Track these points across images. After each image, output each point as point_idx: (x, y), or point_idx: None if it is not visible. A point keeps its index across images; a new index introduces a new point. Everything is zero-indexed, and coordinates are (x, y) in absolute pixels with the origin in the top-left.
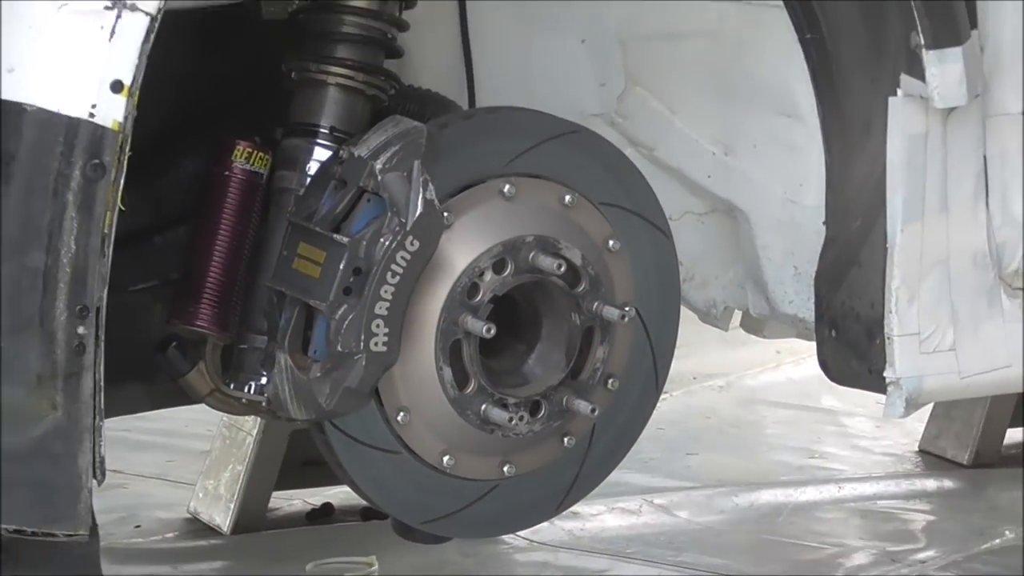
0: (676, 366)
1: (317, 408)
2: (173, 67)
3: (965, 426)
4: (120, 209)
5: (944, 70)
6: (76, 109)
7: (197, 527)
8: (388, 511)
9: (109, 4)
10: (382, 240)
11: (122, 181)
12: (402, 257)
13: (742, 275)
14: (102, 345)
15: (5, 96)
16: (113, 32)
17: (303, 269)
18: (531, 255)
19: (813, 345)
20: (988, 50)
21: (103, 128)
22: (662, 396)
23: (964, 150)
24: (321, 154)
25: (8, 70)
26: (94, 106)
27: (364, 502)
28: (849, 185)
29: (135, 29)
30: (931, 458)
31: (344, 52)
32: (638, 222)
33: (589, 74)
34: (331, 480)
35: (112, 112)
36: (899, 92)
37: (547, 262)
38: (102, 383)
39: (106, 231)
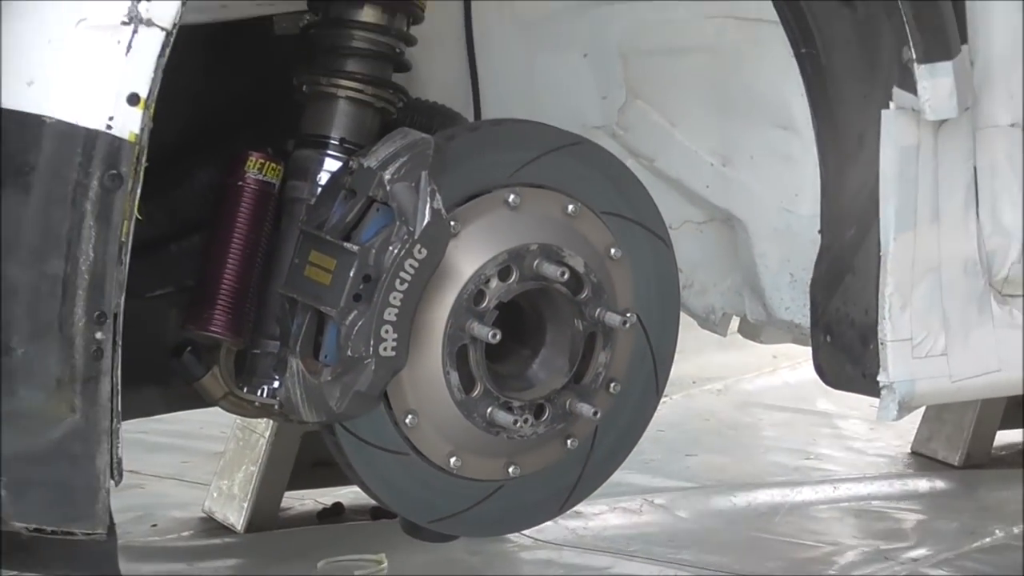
0: (676, 370)
1: (328, 411)
2: (188, 80)
3: (956, 428)
4: (137, 218)
5: (935, 84)
6: (94, 121)
7: (212, 526)
8: (397, 510)
9: (126, 19)
10: (391, 248)
11: (139, 191)
12: (410, 265)
13: (740, 282)
14: (119, 350)
15: (25, 109)
16: (130, 47)
17: (314, 276)
18: (535, 263)
19: (809, 350)
20: (978, 64)
21: (120, 140)
22: (662, 399)
23: (955, 161)
24: (332, 165)
25: (28, 83)
26: (111, 118)
27: (373, 502)
28: (843, 195)
29: (151, 44)
30: (923, 459)
31: (354, 66)
32: (639, 231)
33: (591, 87)
34: (341, 480)
35: (129, 124)
36: (892, 105)
37: (551, 270)
38: (119, 387)
39: (123, 239)
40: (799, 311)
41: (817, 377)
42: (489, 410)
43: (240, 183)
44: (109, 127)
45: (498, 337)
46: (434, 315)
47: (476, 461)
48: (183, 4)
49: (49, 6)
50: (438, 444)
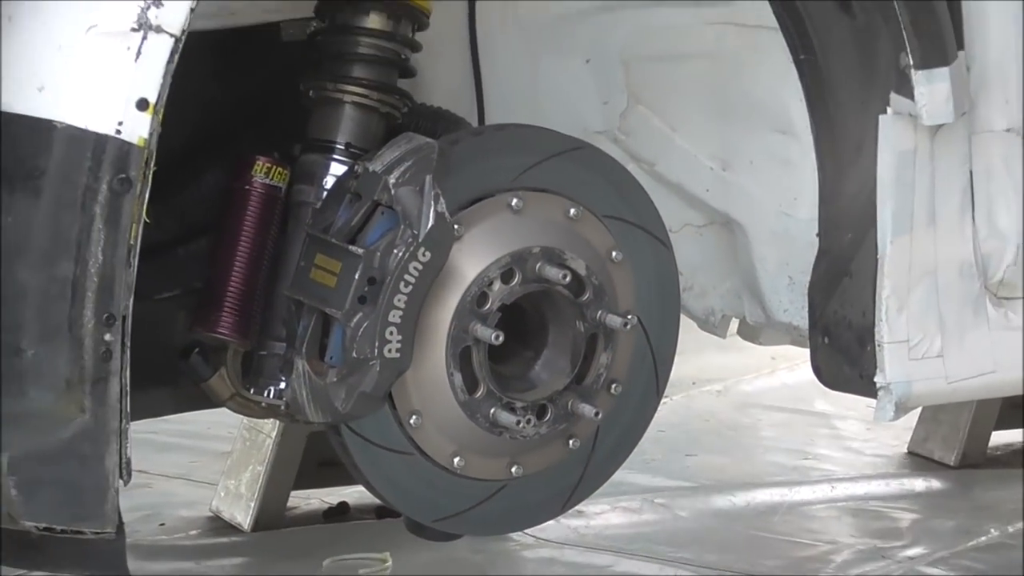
0: (676, 371)
1: (333, 411)
2: (196, 86)
3: (952, 429)
4: (145, 221)
5: (932, 89)
6: (104, 126)
7: (219, 525)
8: (401, 510)
9: (135, 26)
10: (395, 251)
11: (147, 195)
12: (414, 267)
13: (739, 285)
14: (128, 351)
15: (36, 113)
16: (139, 53)
17: (320, 279)
18: (538, 265)
19: (807, 352)
20: (974, 70)
21: (129, 144)
22: (662, 400)
23: (951, 166)
24: (337, 169)
25: (38, 89)
26: (121, 123)
27: (378, 501)
28: (841, 199)
29: (160, 50)
30: (919, 459)
31: (360, 72)
32: (640, 234)
33: (593, 93)
34: (347, 480)
35: (138, 129)
36: (889, 110)
37: (553, 272)
38: (128, 387)
39: (132, 242)
40: (797, 313)
41: (815, 378)
42: (492, 411)
43: (247, 187)
44: (118, 132)
45: (501, 339)
46: (438, 317)
47: (479, 461)
48: (192, 11)
49: (59, 13)
50: (442, 444)
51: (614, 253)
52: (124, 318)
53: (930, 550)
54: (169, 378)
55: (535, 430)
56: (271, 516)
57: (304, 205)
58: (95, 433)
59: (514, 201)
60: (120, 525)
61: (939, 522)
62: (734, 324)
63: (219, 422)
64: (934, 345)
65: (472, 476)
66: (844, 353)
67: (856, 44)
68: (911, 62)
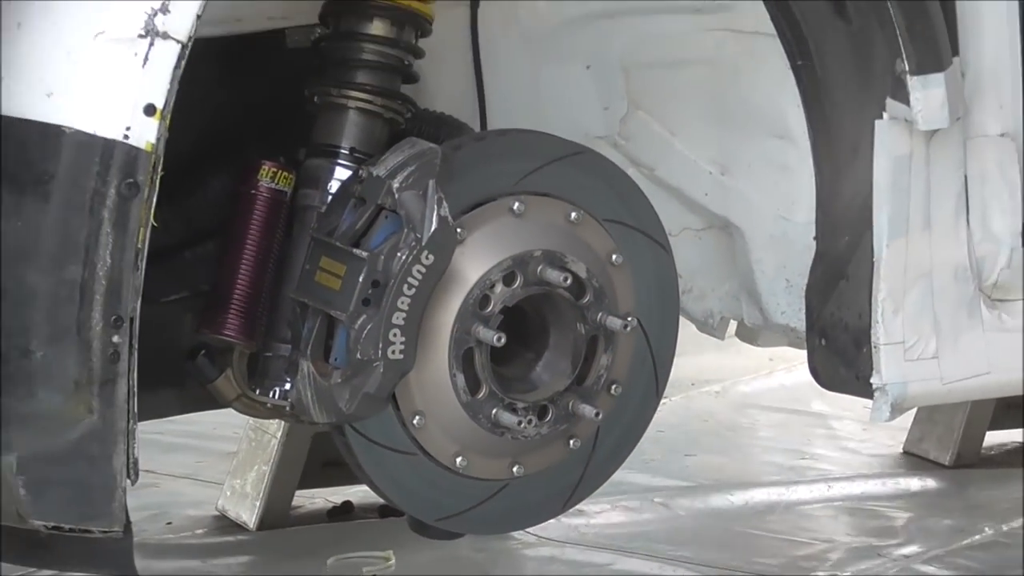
0: (675, 372)
1: (338, 412)
2: (203, 91)
3: (947, 429)
4: (153, 225)
5: (927, 95)
6: (112, 131)
7: (225, 524)
8: (404, 509)
9: (142, 32)
10: (399, 254)
11: (155, 199)
12: (418, 270)
13: (737, 287)
14: (135, 353)
15: (45, 119)
16: (146, 59)
17: (325, 282)
18: (539, 269)
19: (804, 353)
20: (969, 76)
21: (137, 149)
22: (662, 401)
23: (946, 170)
24: (342, 174)
25: (48, 94)
26: (128, 128)
27: (382, 500)
28: (838, 203)
29: (167, 56)
30: (915, 459)
31: (364, 78)
32: (640, 238)
33: (594, 99)
34: (351, 480)
35: (145, 134)
36: (885, 115)
37: (554, 275)
38: (135, 389)
39: (139, 246)
40: (795, 315)
41: (812, 379)
42: (494, 411)
43: (253, 191)
44: (126, 137)
45: (503, 340)
46: (441, 319)
47: (481, 461)
48: (198, 18)
49: (68, 19)
50: (445, 444)
51: (614, 256)
52: (132, 320)
53: (925, 548)
54: (176, 379)
55: (536, 430)
56: (276, 515)
57: (309, 209)
58: (103, 433)
59: (516, 205)
60: (127, 524)
61: (934, 521)
62: (732, 326)
63: (225, 423)
64: (929, 347)
65: (474, 476)
66: (841, 355)
67: (852, 50)
68: (907, 68)
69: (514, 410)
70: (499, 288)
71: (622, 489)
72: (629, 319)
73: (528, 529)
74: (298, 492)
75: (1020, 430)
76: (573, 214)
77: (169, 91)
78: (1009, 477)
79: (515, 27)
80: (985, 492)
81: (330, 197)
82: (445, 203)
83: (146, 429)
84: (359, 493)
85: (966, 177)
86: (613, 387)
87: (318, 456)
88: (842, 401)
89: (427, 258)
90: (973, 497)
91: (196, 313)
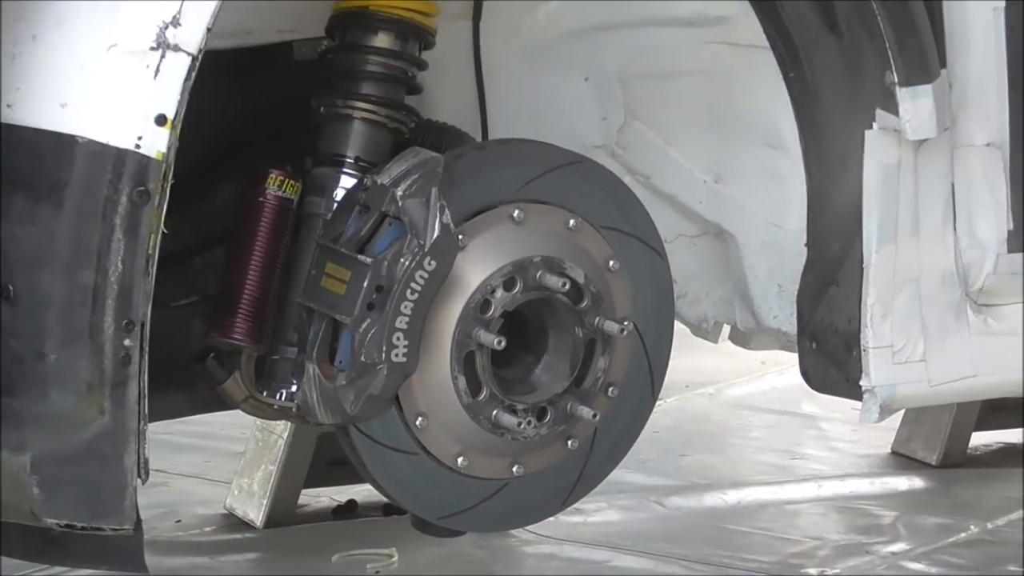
0: (670, 375)
1: (343, 413)
2: (212, 102)
3: (934, 430)
4: (163, 232)
5: (916, 106)
6: (124, 141)
7: (233, 522)
8: (407, 507)
9: (154, 45)
10: (402, 260)
11: (165, 206)
12: (420, 276)
13: (731, 292)
14: (146, 356)
15: (59, 129)
16: (158, 71)
17: (330, 287)
18: (538, 274)
19: (795, 356)
20: (956, 87)
21: (148, 158)
22: (657, 402)
23: (934, 178)
24: (347, 182)
25: (62, 105)
26: (140, 138)
27: (385, 499)
28: (829, 211)
29: (178, 68)
30: (902, 459)
31: (369, 89)
32: (636, 244)
33: (592, 109)
34: (355, 479)
35: (156, 143)
36: (875, 125)
37: (553, 280)
38: (146, 390)
39: (150, 252)
40: (786, 320)
41: (803, 382)
42: (495, 413)
43: (261, 199)
44: (138, 146)
45: (503, 344)
46: (443, 323)
47: (482, 461)
48: (208, 31)
49: (82, 32)
50: (446, 445)
51: (611, 262)
52: (143, 324)
53: (912, 546)
54: (185, 381)
55: (535, 431)
56: (283, 513)
57: (315, 216)
58: (114, 434)
59: (516, 212)
60: (138, 522)
61: (921, 519)
62: (726, 330)
63: (233, 423)
64: (917, 350)
65: (475, 475)
66: (831, 358)
67: (843, 62)
68: (896, 80)
69: (514, 411)
70: (499, 293)
71: (619, 488)
72: (626, 323)
73: (527, 527)
74: (304, 491)
75: (1005, 431)
76: (571, 221)
77: (180, 102)
78: (994, 476)
79: (516, 40)
80: (971, 491)
81: (336, 204)
82: (447, 210)
83: (156, 430)
84: (363, 492)
85: (953, 185)
86: (610, 389)
87: (323, 456)
88: (832, 403)
89: (430, 264)
90: (959, 496)
91: (205, 317)
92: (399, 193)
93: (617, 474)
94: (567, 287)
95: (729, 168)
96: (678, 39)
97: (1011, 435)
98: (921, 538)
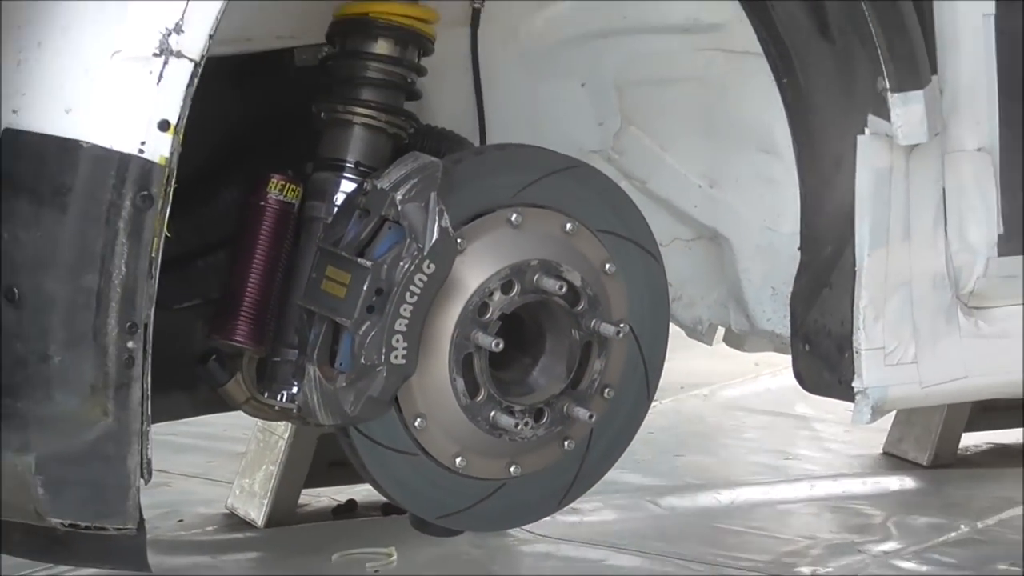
0: (665, 377)
1: (343, 415)
2: (214, 107)
3: (925, 431)
4: (166, 235)
5: (907, 111)
6: (127, 146)
7: (234, 521)
8: (406, 507)
9: (157, 51)
10: (402, 264)
11: (168, 210)
12: (419, 279)
13: (725, 295)
14: (149, 358)
15: (64, 134)
16: (161, 77)
17: (330, 290)
18: (536, 277)
19: (789, 358)
20: (947, 93)
21: (151, 163)
22: (653, 404)
23: (925, 183)
24: (347, 186)
25: (66, 110)
26: (143, 143)
27: (385, 499)
28: (821, 215)
29: (181, 74)
30: (894, 459)
31: (368, 95)
32: (632, 248)
33: (588, 115)
34: (355, 479)
35: (160, 148)
36: (867, 131)
37: (550, 283)
38: (149, 392)
39: (153, 255)
40: (780, 322)
41: (796, 383)
42: (492, 414)
43: (262, 203)
44: (141, 151)
45: (501, 346)
46: (442, 325)
47: (480, 461)
48: (211, 37)
49: (86, 39)
50: (445, 445)
51: (608, 266)
52: (146, 326)
53: (903, 545)
54: (188, 383)
55: (533, 432)
56: (283, 513)
57: (316, 220)
58: (118, 435)
59: (514, 216)
60: (141, 521)
61: (912, 518)
62: (720, 332)
63: (235, 424)
64: (908, 352)
65: (473, 475)
66: (824, 359)
67: (836, 68)
68: (888, 86)
69: (511, 413)
70: (497, 296)
71: (614, 488)
72: (622, 326)
73: (524, 526)
74: (304, 491)
75: (994, 432)
76: (568, 225)
77: (182, 107)
78: (984, 476)
79: (514, 47)
80: (961, 491)
81: (336, 209)
82: (446, 214)
83: (159, 430)
84: (363, 492)
85: (944, 190)
86: (606, 391)
87: (324, 456)
88: (825, 404)
89: (428, 267)
90: (950, 496)
91: (207, 320)
92: (399, 197)
93: (613, 474)
94: (564, 290)
95: (724, 173)
96: (673, 46)
97: (1001, 436)
98: (912, 537)
